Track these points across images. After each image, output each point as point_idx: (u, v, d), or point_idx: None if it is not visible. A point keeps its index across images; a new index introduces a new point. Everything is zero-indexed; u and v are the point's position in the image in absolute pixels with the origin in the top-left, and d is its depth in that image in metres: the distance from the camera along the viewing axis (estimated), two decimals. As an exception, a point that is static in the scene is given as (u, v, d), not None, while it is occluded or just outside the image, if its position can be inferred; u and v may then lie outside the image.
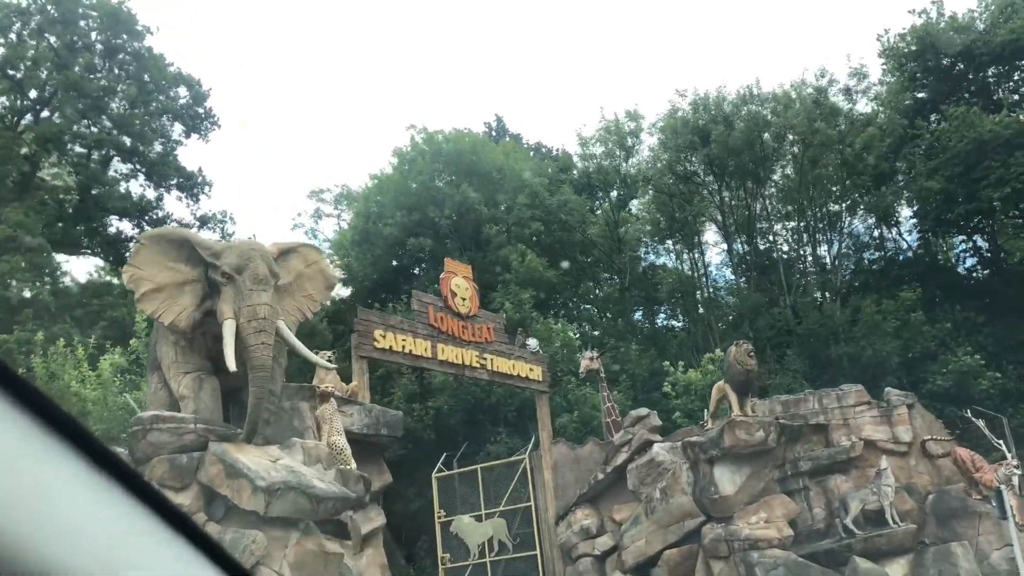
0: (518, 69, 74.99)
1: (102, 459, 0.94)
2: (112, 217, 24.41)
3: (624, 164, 33.83)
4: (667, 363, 23.26)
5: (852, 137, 26.75)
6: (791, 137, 29.55)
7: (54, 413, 0.87)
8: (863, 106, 29.77)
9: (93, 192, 24.28)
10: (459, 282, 18.22)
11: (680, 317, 35.06)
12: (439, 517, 20.75)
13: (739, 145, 27.90)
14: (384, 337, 15.56)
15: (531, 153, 39.12)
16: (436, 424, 24.01)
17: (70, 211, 23.87)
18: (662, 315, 36.47)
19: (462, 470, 21.06)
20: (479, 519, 20.10)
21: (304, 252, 9.59)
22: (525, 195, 32.23)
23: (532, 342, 20.05)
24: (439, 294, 17.83)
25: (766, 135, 29.66)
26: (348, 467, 10.30)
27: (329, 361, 12.86)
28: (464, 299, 18.09)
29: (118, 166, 26.23)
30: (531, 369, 19.47)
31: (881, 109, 29.76)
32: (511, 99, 72.15)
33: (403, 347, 15.94)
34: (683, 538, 15.91)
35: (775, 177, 31.10)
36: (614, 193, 37.10)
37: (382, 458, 13.26)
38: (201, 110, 26.78)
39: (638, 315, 35.57)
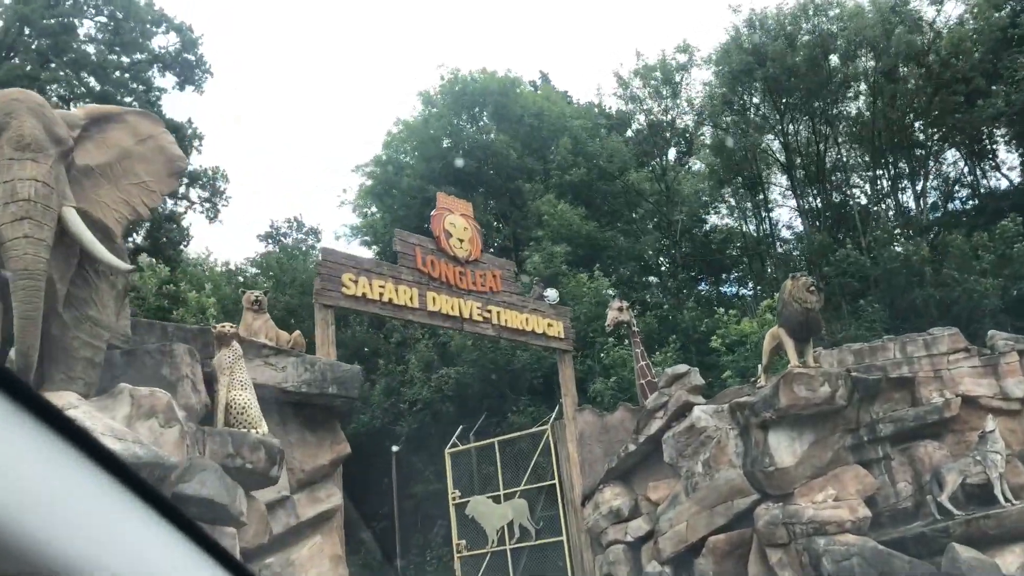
0: (564, 27, 71.52)
1: (102, 458, 0.92)
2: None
3: (670, 101, 30.48)
4: (720, 310, 20.15)
5: (938, 44, 22.92)
6: (864, 60, 25.80)
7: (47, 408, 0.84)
8: (952, 8, 25.72)
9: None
10: (455, 220, 15.62)
11: (748, 283, 31.69)
12: (453, 499, 18.40)
13: (802, 68, 24.36)
14: (355, 283, 13.11)
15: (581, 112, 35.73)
16: (456, 395, 21.57)
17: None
18: (728, 285, 32.95)
19: (479, 444, 18.61)
20: (497, 500, 17.64)
21: (133, 122, 6.96)
22: (567, 139, 29.30)
23: (551, 293, 17.39)
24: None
25: (834, 58, 25.99)
26: (253, 431, 7.86)
27: (257, 302, 10.43)
28: (462, 240, 15.49)
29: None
30: (550, 324, 16.80)
31: (975, 24, 25.67)
32: (559, 61, 68.67)
33: (380, 295, 13.46)
34: (732, 521, 13.13)
35: (849, 110, 27.38)
36: (672, 152, 33.80)
37: (337, 423, 10.82)
38: (192, 57, 24.76)
39: (702, 285, 32.17)
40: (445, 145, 30.16)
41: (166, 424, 6.12)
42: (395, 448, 21.68)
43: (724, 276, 32.45)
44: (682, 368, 14.98)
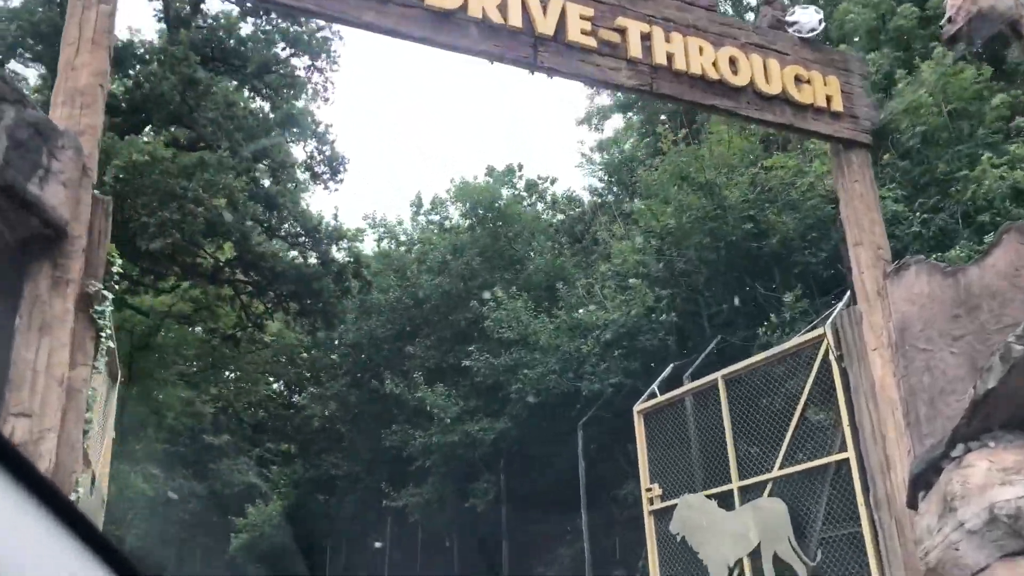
0: None
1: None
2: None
3: None
4: None
5: None
6: None
7: None
8: None
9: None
10: None
11: None
12: (649, 499, 9.91)
13: None
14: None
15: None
16: (679, 311, 12.83)
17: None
18: None
19: (691, 387, 9.88)
20: (728, 502, 8.82)
21: None
22: None
23: (806, 16, 8.25)
24: None
25: None
26: None
27: None
28: None
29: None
30: (800, 78, 7.73)
31: None
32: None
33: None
34: None
35: None
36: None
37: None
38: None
39: None
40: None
41: None
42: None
43: None
44: None
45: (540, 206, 22.88)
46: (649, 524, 10.02)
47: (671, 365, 11.29)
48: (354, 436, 24.59)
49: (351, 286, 20.49)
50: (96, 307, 5.40)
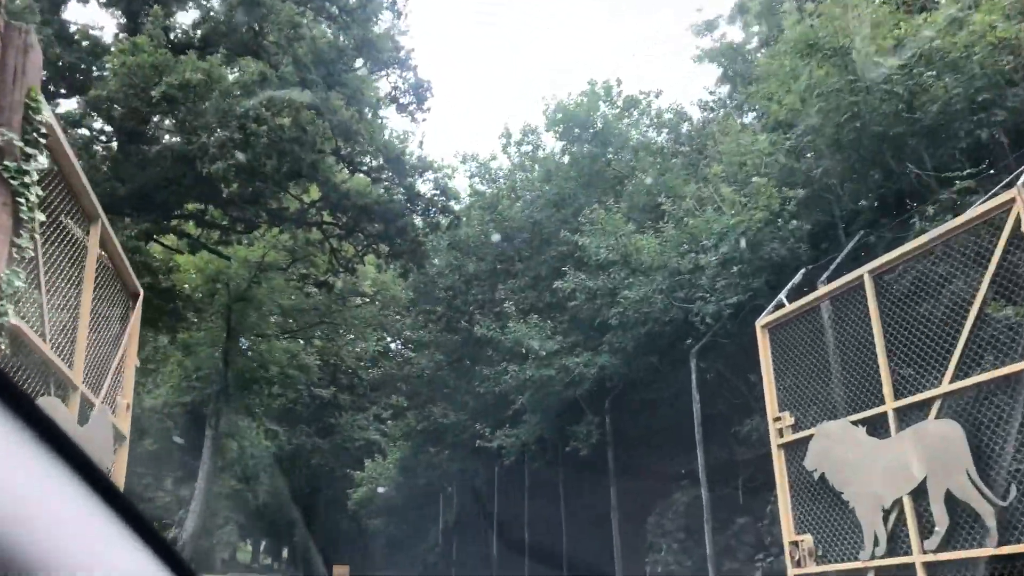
0: None
1: (52, 440, 0.90)
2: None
3: None
4: None
5: None
6: None
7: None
8: None
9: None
10: None
11: None
12: (778, 430, 8.17)
13: None
14: None
15: None
16: (815, 216, 10.79)
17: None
18: None
19: (829, 289, 7.98)
20: (880, 426, 6.96)
21: None
22: None
23: None
24: None
25: None
26: None
27: None
28: None
29: None
30: None
31: None
32: None
33: None
34: None
35: None
36: None
37: None
38: None
39: None
40: None
41: None
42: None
43: None
44: None
45: (645, 121, 20.88)
46: (779, 460, 8.27)
47: (802, 270, 9.34)
48: (458, 385, 23.62)
49: (439, 222, 19.24)
50: (7, 163, 4.08)
